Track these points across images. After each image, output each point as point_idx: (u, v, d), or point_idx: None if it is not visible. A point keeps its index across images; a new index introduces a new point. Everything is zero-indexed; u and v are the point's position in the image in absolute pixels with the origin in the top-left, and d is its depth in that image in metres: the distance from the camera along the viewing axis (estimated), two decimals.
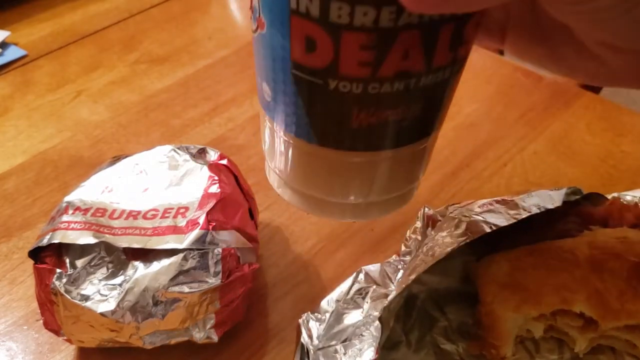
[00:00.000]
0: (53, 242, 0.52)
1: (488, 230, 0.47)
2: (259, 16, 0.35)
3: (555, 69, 0.39)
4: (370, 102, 0.34)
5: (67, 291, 0.50)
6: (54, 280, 0.51)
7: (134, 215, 0.54)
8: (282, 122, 0.38)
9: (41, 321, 0.54)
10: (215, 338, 0.54)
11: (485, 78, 0.92)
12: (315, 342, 0.50)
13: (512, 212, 0.50)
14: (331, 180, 0.39)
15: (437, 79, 0.34)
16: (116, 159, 0.62)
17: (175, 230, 0.52)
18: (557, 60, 0.38)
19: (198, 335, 0.53)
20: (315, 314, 0.52)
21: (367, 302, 0.53)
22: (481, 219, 0.49)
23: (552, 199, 0.51)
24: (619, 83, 0.36)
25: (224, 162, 0.61)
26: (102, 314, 0.50)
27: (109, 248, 0.52)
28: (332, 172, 0.39)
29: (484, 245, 0.51)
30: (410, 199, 0.42)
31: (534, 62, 0.40)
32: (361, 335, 0.50)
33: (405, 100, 0.34)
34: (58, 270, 0.51)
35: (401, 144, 0.37)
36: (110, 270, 0.51)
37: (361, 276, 0.55)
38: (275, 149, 0.41)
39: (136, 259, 0.52)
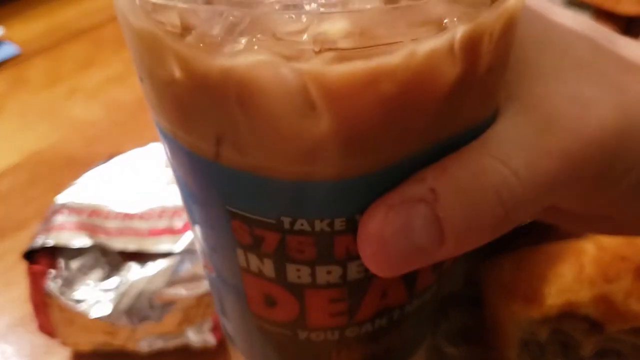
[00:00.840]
0: (46, 243, 0.51)
1: None
2: (205, 259, 0.32)
3: (561, 224, 0.39)
4: (351, 343, 0.31)
5: (61, 293, 0.50)
6: (48, 282, 0.50)
7: (129, 216, 0.54)
8: (251, 358, 0.36)
9: (36, 324, 0.53)
10: (212, 341, 0.53)
11: None
12: None
13: None
14: None
15: (425, 299, 0.32)
16: (111, 157, 0.61)
17: (172, 231, 0.52)
18: (564, 222, 0.37)
19: (195, 339, 0.52)
20: None
21: None
22: None
23: None
24: (629, 233, 0.36)
25: None
26: (97, 317, 0.49)
27: (104, 250, 0.51)
28: None
29: (487, 247, 0.51)
30: None
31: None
32: None
33: (391, 332, 0.32)
34: (52, 272, 0.51)
35: None
36: (105, 272, 0.51)
37: None
38: None
39: (131, 261, 0.51)
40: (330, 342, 0.31)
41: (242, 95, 0.22)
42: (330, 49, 0.21)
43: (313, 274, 0.27)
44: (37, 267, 0.51)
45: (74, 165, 0.76)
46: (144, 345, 0.52)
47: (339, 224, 0.26)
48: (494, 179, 0.25)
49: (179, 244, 0.51)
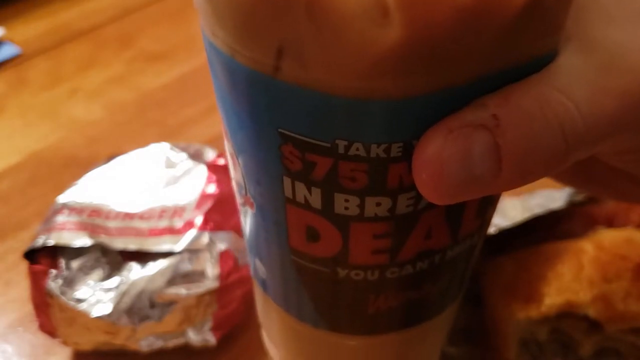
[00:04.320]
0: (47, 243, 0.51)
1: (491, 231, 0.47)
2: (246, 195, 0.31)
3: (584, 188, 0.38)
4: (390, 286, 0.31)
5: (62, 293, 0.50)
6: (49, 281, 0.50)
7: (129, 216, 0.54)
8: (283, 304, 0.35)
9: (36, 323, 0.54)
10: (213, 340, 0.53)
11: None
12: None
13: (515, 212, 0.49)
14: None
15: (465, 247, 0.31)
16: (111, 158, 0.61)
17: (172, 231, 0.52)
18: (588, 182, 0.37)
19: (195, 338, 0.52)
20: None
21: None
22: None
23: (555, 199, 0.50)
24: None
25: (222, 161, 0.60)
26: (98, 317, 0.49)
27: (104, 249, 0.51)
28: (344, 356, 0.36)
29: (487, 247, 0.51)
30: None
31: (558, 181, 0.38)
32: None
33: (430, 277, 0.31)
34: (53, 272, 0.51)
35: (427, 318, 0.34)
36: (105, 272, 0.51)
37: None
38: (272, 325, 0.38)
39: (132, 261, 0.51)
40: (370, 282, 0.30)
41: (312, 1, 0.21)
42: None
43: (362, 205, 0.27)
44: (38, 267, 0.51)
45: (75, 165, 0.76)
46: (144, 345, 0.52)
47: (395, 149, 0.25)
48: (558, 109, 0.25)
49: (180, 244, 0.51)
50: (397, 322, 0.33)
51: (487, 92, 0.24)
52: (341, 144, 0.25)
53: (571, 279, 0.47)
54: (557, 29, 0.26)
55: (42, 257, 0.52)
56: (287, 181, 0.27)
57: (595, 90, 0.26)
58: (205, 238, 0.51)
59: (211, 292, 0.51)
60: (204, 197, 0.55)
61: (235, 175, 0.31)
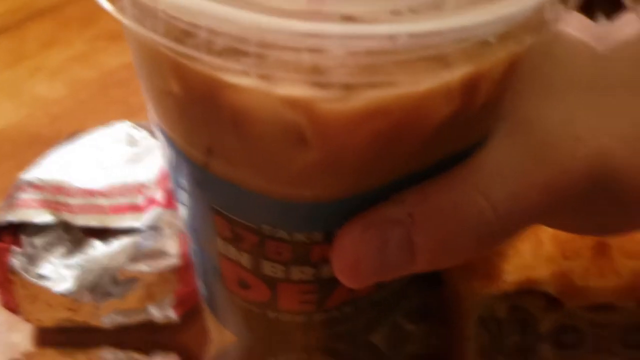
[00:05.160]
0: (10, 220, 0.51)
1: None
2: (187, 231, 0.33)
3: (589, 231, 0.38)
4: (317, 326, 0.32)
5: (24, 270, 0.50)
6: (11, 258, 0.50)
7: (91, 193, 0.54)
8: (223, 321, 0.37)
9: None
10: (175, 317, 0.53)
11: None
12: None
13: None
14: None
15: (393, 287, 0.32)
16: (74, 136, 0.61)
17: (134, 208, 0.52)
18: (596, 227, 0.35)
19: (157, 314, 0.52)
20: None
21: None
22: None
23: None
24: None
25: None
26: (60, 294, 0.49)
27: (66, 226, 0.51)
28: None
29: None
30: None
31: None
32: None
33: (357, 316, 0.33)
34: (15, 249, 0.51)
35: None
36: (68, 249, 0.51)
37: None
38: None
39: (94, 238, 0.51)
40: (298, 323, 0.32)
41: (236, 116, 0.22)
42: (325, 83, 0.21)
43: (287, 271, 0.28)
44: (0, 245, 0.51)
45: (38, 143, 0.75)
46: (106, 322, 0.52)
47: (317, 236, 0.26)
48: (473, 211, 0.26)
49: (141, 221, 0.51)
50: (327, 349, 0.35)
51: (408, 186, 0.25)
52: (266, 228, 0.26)
53: (530, 256, 0.48)
54: (482, 128, 0.26)
55: (4, 235, 0.52)
56: (220, 241, 0.29)
57: (517, 185, 0.26)
58: (167, 215, 0.52)
59: (173, 270, 0.51)
60: (165, 174, 0.55)
61: (179, 213, 0.33)
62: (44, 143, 0.71)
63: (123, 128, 0.61)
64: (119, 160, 0.57)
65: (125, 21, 0.23)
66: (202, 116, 0.24)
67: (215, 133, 0.24)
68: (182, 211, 0.31)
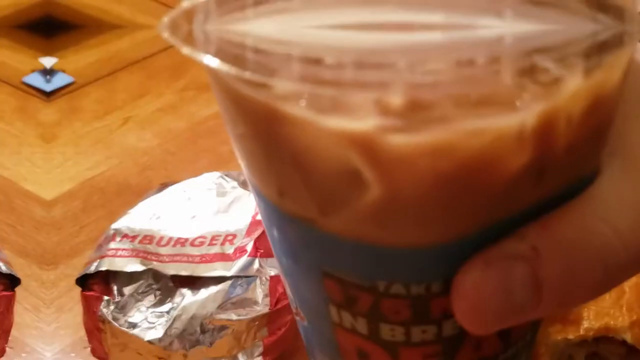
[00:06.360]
0: (100, 269, 0.52)
1: None
2: (296, 309, 0.31)
3: None
4: None
5: (114, 319, 0.50)
6: (101, 307, 0.51)
7: (181, 242, 0.54)
8: None
9: (89, 349, 0.54)
10: None
11: None
12: None
13: None
14: None
15: (519, 346, 0.30)
16: (164, 186, 0.62)
17: (223, 257, 0.52)
18: None
19: None
20: None
21: None
22: None
23: None
24: None
25: None
26: (149, 342, 0.50)
27: (156, 275, 0.52)
28: None
29: None
30: None
31: None
32: None
33: None
34: (105, 298, 0.51)
35: None
36: (157, 298, 0.52)
37: None
38: None
39: (184, 287, 0.52)
40: None
41: (296, 155, 0.22)
42: (385, 117, 0.20)
43: (407, 333, 0.27)
44: (91, 293, 0.52)
45: (127, 193, 0.77)
46: None
47: (435, 287, 0.25)
48: (598, 240, 0.25)
49: (231, 270, 0.51)
50: None
51: (524, 223, 0.24)
52: (381, 284, 0.25)
53: (611, 304, 0.47)
54: (584, 165, 0.25)
55: (95, 284, 0.53)
56: (332, 308, 0.27)
57: (637, 215, 0.25)
58: (256, 264, 0.52)
59: (261, 318, 0.51)
60: (254, 224, 0.55)
61: (285, 288, 0.31)
62: (134, 193, 0.72)
63: (212, 178, 0.61)
64: (208, 210, 0.57)
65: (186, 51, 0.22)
66: (268, 156, 0.23)
67: (281, 173, 0.23)
68: (287, 283, 0.30)
